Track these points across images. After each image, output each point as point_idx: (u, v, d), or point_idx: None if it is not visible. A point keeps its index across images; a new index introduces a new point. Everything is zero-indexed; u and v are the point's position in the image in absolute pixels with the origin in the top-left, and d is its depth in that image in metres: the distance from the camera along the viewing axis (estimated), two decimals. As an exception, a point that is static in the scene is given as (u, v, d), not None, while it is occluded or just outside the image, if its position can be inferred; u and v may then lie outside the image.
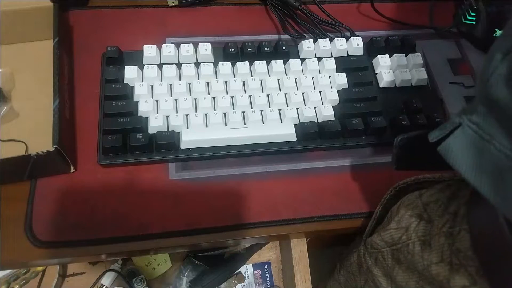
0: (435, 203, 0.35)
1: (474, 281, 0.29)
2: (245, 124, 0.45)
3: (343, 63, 0.50)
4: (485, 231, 0.29)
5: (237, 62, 0.48)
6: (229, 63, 0.48)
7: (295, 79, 0.49)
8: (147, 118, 0.44)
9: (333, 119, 0.46)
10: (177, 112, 0.45)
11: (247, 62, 0.49)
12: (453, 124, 0.26)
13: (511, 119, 0.23)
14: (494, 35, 0.53)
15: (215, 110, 0.46)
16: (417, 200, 0.37)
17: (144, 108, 0.44)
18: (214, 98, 0.46)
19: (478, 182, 0.24)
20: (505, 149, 0.23)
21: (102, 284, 0.62)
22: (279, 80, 0.48)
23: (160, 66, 0.48)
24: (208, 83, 0.47)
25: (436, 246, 0.32)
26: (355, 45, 0.51)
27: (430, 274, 0.33)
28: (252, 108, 0.46)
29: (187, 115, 0.45)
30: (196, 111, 0.46)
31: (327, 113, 0.46)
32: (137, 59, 0.48)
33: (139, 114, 0.44)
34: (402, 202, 0.40)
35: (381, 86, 0.50)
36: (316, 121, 0.46)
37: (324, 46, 0.51)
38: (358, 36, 0.53)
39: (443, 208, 0.34)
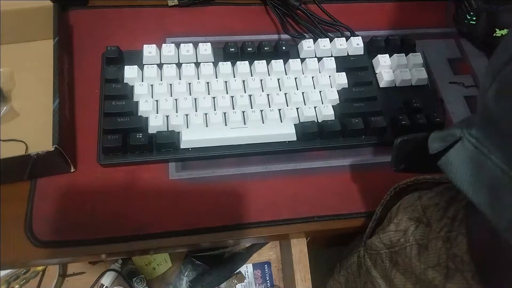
0: (434, 206, 0.35)
1: (469, 286, 0.29)
2: (245, 124, 0.45)
3: (343, 63, 0.50)
4: (482, 237, 0.29)
5: (237, 62, 0.48)
6: (229, 63, 0.48)
7: (295, 78, 0.49)
8: (147, 117, 0.44)
9: (333, 118, 0.46)
10: (177, 112, 0.45)
11: (247, 62, 0.49)
12: (454, 137, 0.27)
13: (504, 134, 0.23)
14: (494, 34, 0.53)
15: (215, 110, 0.46)
16: (417, 202, 0.37)
17: (144, 107, 0.44)
18: (214, 98, 0.46)
19: (476, 197, 0.24)
20: (500, 163, 0.23)
21: (102, 284, 0.62)
22: (279, 80, 0.48)
23: (160, 65, 0.48)
24: (208, 82, 0.47)
25: (433, 250, 0.32)
26: (355, 45, 0.51)
27: (426, 278, 0.33)
28: (252, 108, 0.46)
29: (187, 115, 0.45)
30: (196, 111, 0.46)
31: (327, 112, 0.46)
32: (137, 59, 0.48)
33: (139, 114, 0.44)
34: (401, 204, 0.40)
35: (381, 86, 0.50)
36: (316, 121, 0.46)
37: (324, 46, 0.51)
38: (358, 35, 0.53)
39: (442, 212, 0.34)
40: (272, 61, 0.49)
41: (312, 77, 0.49)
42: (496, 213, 0.23)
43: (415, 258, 0.34)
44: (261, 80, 0.48)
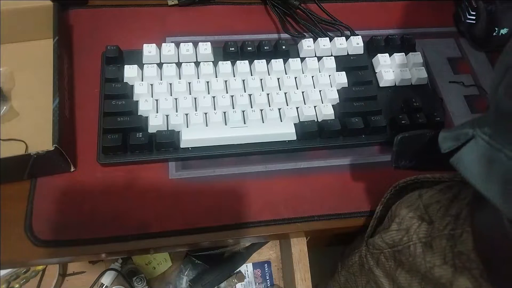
0: (436, 204, 0.35)
1: (479, 284, 0.29)
2: (245, 123, 0.45)
3: (343, 62, 0.50)
4: (489, 234, 0.29)
5: (237, 61, 0.48)
6: (229, 62, 0.48)
7: (295, 78, 0.49)
8: (147, 117, 0.44)
9: (333, 118, 0.46)
10: (177, 111, 0.45)
11: (247, 61, 0.48)
12: (467, 136, 0.27)
13: None
14: (494, 34, 0.53)
15: (215, 109, 0.46)
16: (418, 201, 0.37)
17: (144, 107, 0.44)
18: (214, 97, 0.46)
19: (489, 191, 0.24)
20: None
21: (102, 283, 0.62)
22: (279, 79, 0.48)
23: (160, 65, 0.48)
24: (208, 82, 0.47)
25: (438, 248, 0.32)
26: (355, 44, 0.51)
27: (433, 276, 0.33)
28: (252, 107, 0.46)
29: (187, 114, 0.45)
30: (196, 110, 0.46)
31: (327, 112, 0.46)
32: (137, 58, 0.48)
33: (139, 113, 0.44)
34: (401, 202, 0.40)
35: (381, 85, 0.50)
36: (316, 120, 0.46)
37: (324, 45, 0.51)
38: (358, 35, 0.53)
39: (444, 209, 0.34)
40: (272, 60, 0.49)
41: (312, 77, 0.49)
42: (509, 206, 0.23)
43: (419, 257, 0.34)
44: (261, 80, 0.48)
